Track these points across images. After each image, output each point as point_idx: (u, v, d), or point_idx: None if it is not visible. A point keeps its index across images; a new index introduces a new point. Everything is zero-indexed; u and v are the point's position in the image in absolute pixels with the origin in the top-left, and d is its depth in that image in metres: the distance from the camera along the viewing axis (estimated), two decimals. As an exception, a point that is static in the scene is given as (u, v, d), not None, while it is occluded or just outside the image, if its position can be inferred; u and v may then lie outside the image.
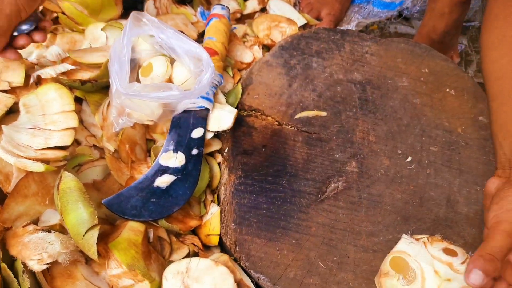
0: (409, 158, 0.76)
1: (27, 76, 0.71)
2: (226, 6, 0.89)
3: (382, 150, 0.77)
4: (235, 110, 0.75)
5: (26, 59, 0.78)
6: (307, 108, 0.81)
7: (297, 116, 0.80)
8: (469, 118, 0.82)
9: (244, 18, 1.06)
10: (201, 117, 0.75)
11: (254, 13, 1.07)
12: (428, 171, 0.75)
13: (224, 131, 0.76)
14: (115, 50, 0.64)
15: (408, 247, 0.62)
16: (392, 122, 0.80)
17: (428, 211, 0.70)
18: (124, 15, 0.95)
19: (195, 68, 0.68)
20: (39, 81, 0.73)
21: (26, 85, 0.71)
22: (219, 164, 0.77)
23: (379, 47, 0.90)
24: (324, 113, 0.81)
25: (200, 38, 0.94)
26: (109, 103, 0.71)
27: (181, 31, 0.83)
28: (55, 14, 0.92)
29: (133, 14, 0.65)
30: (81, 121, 0.73)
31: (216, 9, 0.88)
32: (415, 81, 0.86)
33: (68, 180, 0.57)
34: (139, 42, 0.73)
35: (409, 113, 0.82)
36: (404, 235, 0.64)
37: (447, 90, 0.85)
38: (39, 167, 0.57)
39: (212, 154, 0.78)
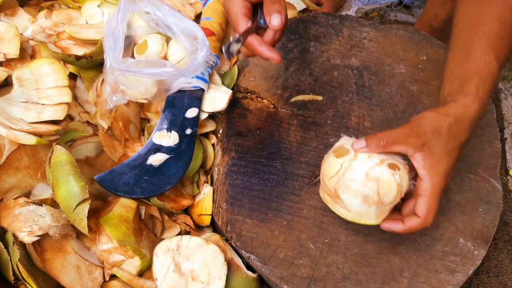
0: (404, 145, 0.76)
1: (22, 49, 0.71)
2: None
3: (377, 135, 0.77)
4: (230, 91, 0.75)
5: (22, 34, 0.77)
6: (303, 92, 0.81)
7: (293, 99, 0.80)
8: (465, 107, 0.81)
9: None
10: (195, 97, 0.75)
11: None
12: (421, 157, 0.74)
13: (218, 112, 0.76)
14: (110, 25, 0.63)
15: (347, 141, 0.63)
16: (388, 109, 0.80)
17: (420, 196, 0.70)
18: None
19: (190, 46, 0.67)
20: (34, 55, 0.72)
21: (21, 58, 0.70)
22: (213, 145, 0.77)
23: (378, 33, 0.89)
24: (320, 98, 0.80)
25: (197, 19, 0.93)
26: (103, 79, 0.71)
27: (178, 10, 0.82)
28: (51, -10, 0.91)
29: (129, -11, 0.64)
30: (75, 98, 0.73)
31: (215, -10, 0.87)
32: (412, 68, 0.85)
33: (60, 154, 0.57)
34: (134, 19, 0.72)
35: (405, 100, 0.81)
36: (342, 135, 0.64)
37: (445, 78, 0.85)
38: (31, 140, 0.57)
39: (206, 135, 0.78)
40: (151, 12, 0.67)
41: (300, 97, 0.80)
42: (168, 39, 0.74)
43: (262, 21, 0.65)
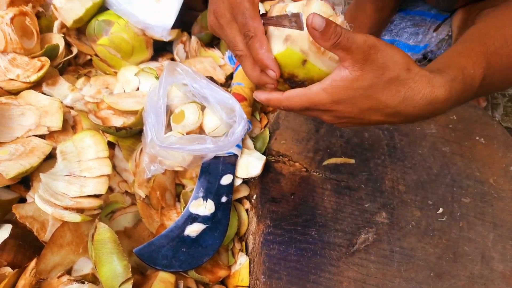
0: (441, 210, 0.75)
1: (64, 121, 0.73)
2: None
3: (413, 200, 0.76)
4: (264, 158, 0.76)
5: (61, 101, 0.81)
6: (334, 154, 0.81)
7: (325, 162, 0.80)
8: (501, 169, 0.80)
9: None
10: (230, 163, 0.76)
11: (280, 54, 1.08)
12: (460, 224, 0.73)
13: (252, 178, 0.76)
14: (151, 100, 0.65)
15: None
16: (422, 171, 0.80)
17: (463, 267, 0.68)
18: (154, 56, 0.98)
19: (227, 118, 0.69)
20: (75, 125, 0.75)
21: (63, 129, 0.72)
22: (246, 210, 0.77)
23: (406, 93, 0.90)
24: (352, 160, 0.80)
25: (227, 81, 0.95)
26: (141, 149, 0.72)
27: (211, 77, 0.85)
28: (88, 57, 0.96)
29: (169, 64, 0.67)
30: (113, 166, 0.74)
31: (246, 55, 0.89)
32: (443, 128, 0.85)
33: (103, 231, 0.58)
34: (172, 89, 0.75)
35: (438, 162, 0.81)
36: None
37: (477, 138, 0.84)
38: (76, 218, 0.58)
39: (239, 200, 0.78)
40: (188, 84, 0.70)
41: (332, 160, 0.80)
42: (203, 107, 0.76)
43: None
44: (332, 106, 0.50)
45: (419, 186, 0.78)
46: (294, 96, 0.51)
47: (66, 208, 0.60)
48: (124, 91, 0.84)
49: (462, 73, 0.54)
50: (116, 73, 0.91)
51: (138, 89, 0.87)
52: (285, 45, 0.50)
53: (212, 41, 1.03)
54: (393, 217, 0.74)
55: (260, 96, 0.55)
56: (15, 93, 0.77)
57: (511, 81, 0.62)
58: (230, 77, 0.96)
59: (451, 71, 0.53)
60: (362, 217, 0.74)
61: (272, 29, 0.53)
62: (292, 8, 0.52)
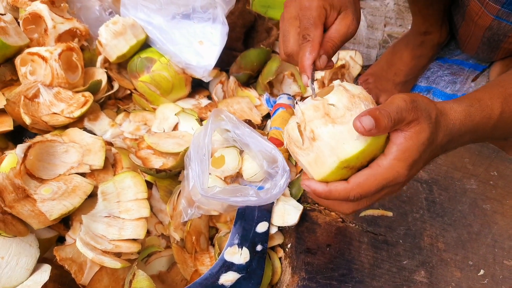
0: (482, 272, 0.72)
1: (105, 158, 0.74)
2: (292, 96, 0.91)
3: (452, 259, 0.74)
4: (301, 207, 0.75)
5: (101, 136, 0.82)
6: (372, 206, 0.79)
7: (362, 214, 0.78)
8: (545, 231, 0.78)
9: (303, 100, 1.08)
10: (265, 210, 0.75)
11: (314, 96, 1.09)
12: (503, 289, 0.70)
13: (288, 226, 0.75)
14: (195, 146, 0.66)
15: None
16: (462, 229, 0.77)
17: (508, 338, 0.65)
18: (191, 93, 0.99)
19: (268, 167, 0.68)
20: (115, 164, 0.75)
21: (104, 168, 0.73)
22: (280, 259, 0.75)
23: (445, 145, 0.89)
24: (390, 213, 0.79)
25: (263, 122, 0.96)
26: (179, 192, 0.72)
27: (249, 120, 0.86)
28: (127, 91, 0.97)
29: (214, 111, 0.67)
30: (150, 207, 0.74)
31: (282, 99, 0.90)
32: (484, 185, 0.83)
33: (142, 279, 0.57)
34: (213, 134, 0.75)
35: (479, 220, 0.79)
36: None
37: (519, 196, 0.82)
38: (116, 265, 0.57)
39: (273, 248, 0.77)
40: (231, 130, 0.70)
41: (370, 212, 0.79)
42: (241, 152, 0.76)
43: None
44: (409, 172, 0.47)
45: (459, 244, 0.75)
46: (365, 179, 0.47)
47: (105, 252, 0.60)
48: (164, 130, 0.84)
49: (478, 102, 0.54)
50: (154, 109, 0.93)
51: (176, 126, 0.88)
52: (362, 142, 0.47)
53: (249, 81, 1.04)
54: (432, 277, 0.71)
55: (318, 189, 0.49)
56: (58, 127, 0.79)
57: None
58: (265, 117, 0.97)
59: (467, 100, 0.54)
60: (400, 274, 0.71)
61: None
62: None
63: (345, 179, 0.48)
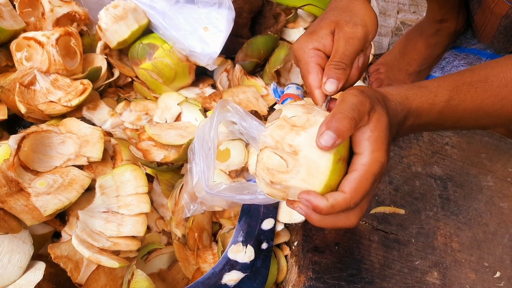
0: (498, 274, 0.69)
1: (104, 151, 0.70)
2: (301, 86, 0.87)
3: (467, 260, 0.70)
4: (310, 203, 0.71)
5: (100, 126, 0.78)
6: (383, 202, 0.76)
7: (373, 211, 0.75)
8: None
9: (312, 90, 1.04)
10: (271, 206, 0.72)
11: (323, 86, 1.04)
12: (521, 293, 0.67)
13: (294, 223, 0.72)
14: (199, 139, 0.62)
15: None
16: (477, 228, 0.74)
17: None
18: (194, 81, 0.95)
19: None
20: (114, 156, 0.72)
21: (103, 160, 0.70)
22: (286, 256, 0.72)
23: (460, 139, 0.85)
24: (402, 211, 0.75)
25: (270, 113, 0.92)
26: (182, 187, 0.69)
27: (255, 111, 0.82)
28: (128, 79, 0.94)
29: (220, 102, 0.63)
30: (151, 201, 0.71)
31: (291, 89, 0.86)
32: (501, 182, 0.79)
33: (140, 280, 0.54)
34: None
35: (495, 219, 0.75)
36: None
37: (538, 194, 0.78)
38: (113, 264, 0.54)
39: (279, 246, 0.74)
40: (237, 123, 0.66)
41: (381, 209, 0.75)
42: (247, 145, 0.72)
43: None
44: (388, 155, 0.47)
45: (475, 245, 0.72)
46: (359, 182, 0.44)
47: (102, 250, 0.56)
48: (166, 120, 0.81)
49: (419, 88, 0.53)
50: (156, 98, 0.89)
51: (178, 116, 0.84)
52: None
53: (255, 69, 1.00)
54: (446, 278, 0.68)
55: (321, 205, 0.44)
56: (55, 116, 0.75)
57: (491, 119, 0.57)
58: (272, 108, 0.93)
59: (407, 86, 0.53)
60: (412, 275, 0.68)
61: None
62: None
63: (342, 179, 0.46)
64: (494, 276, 0.69)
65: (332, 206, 0.44)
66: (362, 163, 0.45)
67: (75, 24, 0.88)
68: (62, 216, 0.64)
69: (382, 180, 0.78)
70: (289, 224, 0.72)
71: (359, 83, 1.02)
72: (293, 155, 0.44)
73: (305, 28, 1.09)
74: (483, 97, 0.54)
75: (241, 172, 0.72)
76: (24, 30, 0.82)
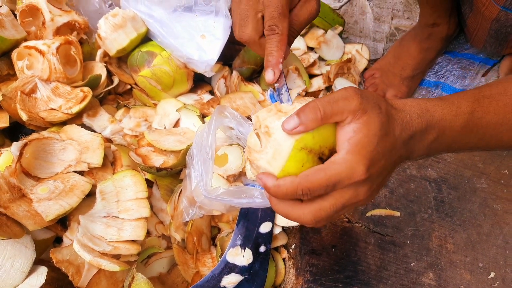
0: (492, 274, 0.70)
1: (104, 157, 0.72)
2: (298, 94, 0.88)
3: (462, 261, 0.71)
4: (306, 206, 0.72)
5: (100, 133, 0.79)
6: (379, 205, 0.77)
7: (369, 213, 0.76)
8: (558, 232, 0.75)
9: (309, 95, 1.06)
10: (269, 209, 0.73)
11: (319, 91, 1.06)
12: (515, 293, 0.68)
13: (292, 226, 0.73)
14: (198, 144, 0.63)
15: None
16: (472, 229, 0.75)
17: None
18: (192, 88, 0.96)
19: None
20: (114, 161, 0.73)
21: (103, 166, 0.71)
22: (284, 259, 0.73)
23: (454, 142, 0.86)
24: (397, 213, 0.76)
25: (267, 118, 0.93)
26: (181, 191, 0.70)
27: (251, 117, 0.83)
28: (128, 86, 0.95)
29: (217, 108, 0.65)
30: (150, 206, 0.72)
31: (288, 94, 0.87)
32: (494, 184, 0.81)
33: (141, 283, 0.55)
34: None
35: (489, 221, 0.76)
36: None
37: (531, 196, 0.79)
38: (114, 268, 0.55)
39: (277, 249, 0.75)
40: (235, 128, 0.67)
41: (376, 212, 0.76)
42: (244, 150, 0.74)
43: None
44: (368, 169, 0.42)
45: (469, 246, 0.73)
46: (315, 172, 0.42)
47: (103, 254, 0.58)
48: (165, 126, 0.82)
49: (440, 100, 0.49)
50: (155, 104, 0.90)
51: (177, 122, 0.85)
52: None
53: (252, 76, 1.01)
54: (441, 279, 0.69)
55: (268, 183, 0.44)
56: (56, 123, 0.77)
57: None
58: (269, 114, 0.94)
59: (425, 99, 0.49)
60: (408, 277, 0.69)
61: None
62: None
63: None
64: (489, 277, 0.70)
65: (277, 186, 0.43)
66: (331, 160, 0.43)
67: (75, 33, 0.89)
68: (63, 221, 0.65)
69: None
70: (286, 227, 0.73)
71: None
72: (267, 136, 0.45)
73: (301, 35, 1.11)
74: (506, 110, 0.50)
75: (239, 176, 0.74)
76: (25, 39, 0.83)
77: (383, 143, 0.44)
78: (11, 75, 0.82)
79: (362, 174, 0.42)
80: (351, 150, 0.42)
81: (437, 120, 0.47)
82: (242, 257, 0.67)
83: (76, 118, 0.79)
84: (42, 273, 0.56)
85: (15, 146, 0.63)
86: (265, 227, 0.71)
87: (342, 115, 0.43)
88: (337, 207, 0.44)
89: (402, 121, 0.46)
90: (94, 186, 0.67)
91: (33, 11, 0.86)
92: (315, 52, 1.10)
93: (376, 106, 0.44)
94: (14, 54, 0.79)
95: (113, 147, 0.75)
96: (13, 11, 0.86)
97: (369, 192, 0.45)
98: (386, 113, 0.45)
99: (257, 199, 0.58)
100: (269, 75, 0.57)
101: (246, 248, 0.68)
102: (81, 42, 0.90)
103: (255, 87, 0.98)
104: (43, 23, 0.85)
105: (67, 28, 0.89)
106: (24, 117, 0.71)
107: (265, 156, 0.45)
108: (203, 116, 0.85)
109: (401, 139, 0.45)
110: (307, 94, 1.06)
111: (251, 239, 0.70)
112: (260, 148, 0.45)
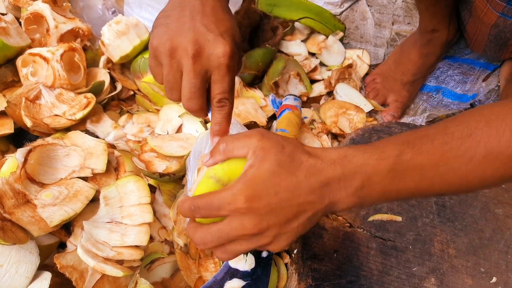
0: (494, 279, 0.70)
1: (107, 162, 0.72)
2: (299, 97, 0.89)
3: (464, 266, 0.71)
4: (308, 211, 0.73)
5: (104, 139, 0.80)
6: (380, 210, 0.77)
7: (370, 218, 0.76)
8: (560, 237, 0.75)
9: (310, 101, 1.06)
10: (271, 214, 0.73)
11: (320, 96, 1.07)
12: (517, 298, 0.68)
13: (294, 231, 0.73)
14: (197, 151, 0.64)
15: None
16: (473, 234, 0.75)
17: None
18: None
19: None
20: (118, 167, 0.74)
21: (106, 171, 0.71)
22: (286, 264, 0.74)
23: (455, 147, 0.86)
24: (399, 218, 0.77)
25: (269, 124, 0.94)
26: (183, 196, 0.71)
27: (254, 122, 0.84)
28: (131, 92, 0.96)
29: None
30: (153, 211, 0.73)
31: (289, 100, 0.88)
32: (496, 188, 0.81)
33: (144, 288, 0.56)
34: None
35: (491, 225, 0.76)
36: None
37: (532, 200, 0.80)
38: (118, 273, 0.56)
39: (279, 254, 0.75)
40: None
41: (378, 216, 0.77)
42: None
43: None
44: (249, 201, 0.43)
45: (471, 251, 0.73)
46: (206, 194, 0.46)
47: (107, 259, 0.58)
48: (168, 132, 0.83)
49: (362, 146, 0.48)
50: (158, 110, 0.91)
51: (180, 128, 0.86)
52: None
53: (254, 81, 1.02)
54: (443, 284, 0.69)
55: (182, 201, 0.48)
56: (60, 129, 0.77)
57: (463, 179, 0.47)
58: (271, 119, 0.95)
59: (346, 146, 0.49)
60: (410, 282, 0.69)
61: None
62: None
63: None
64: (491, 282, 0.70)
65: (181, 202, 0.48)
66: (225, 187, 0.45)
67: (78, 39, 0.90)
68: (67, 227, 0.66)
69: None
70: (288, 232, 0.73)
71: (357, 93, 1.05)
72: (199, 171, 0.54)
73: (302, 41, 1.12)
74: (443, 149, 0.46)
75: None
76: (30, 47, 0.84)
77: (276, 180, 0.44)
78: (16, 82, 0.83)
79: (241, 202, 0.43)
80: (242, 181, 0.44)
81: (356, 166, 0.46)
82: (244, 262, 0.68)
83: (80, 124, 0.80)
84: (46, 278, 0.56)
85: (20, 152, 0.64)
86: (267, 232, 0.71)
87: (243, 150, 0.46)
88: (222, 232, 0.45)
89: (310, 165, 0.45)
90: (97, 192, 0.68)
91: (38, 18, 0.87)
92: (316, 58, 1.11)
93: (278, 146, 0.45)
94: (18, 61, 0.80)
95: (116, 153, 0.76)
96: (17, 19, 0.87)
97: (259, 228, 0.44)
98: (290, 154, 0.45)
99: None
100: (215, 141, 0.56)
101: (249, 253, 0.69)
102: (84, 48, 0.91)
103: (257, 93, 0.99)
104: (48, 30, 0.87)
105: (71, 35, 0.90)
106: (28, 123, 0.72)
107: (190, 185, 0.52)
108: (205, 122, 0.86)
109: (307, 184, 0.45)
110: (309, 99, 1.06)
111: (253, 244, 0.70)
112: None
